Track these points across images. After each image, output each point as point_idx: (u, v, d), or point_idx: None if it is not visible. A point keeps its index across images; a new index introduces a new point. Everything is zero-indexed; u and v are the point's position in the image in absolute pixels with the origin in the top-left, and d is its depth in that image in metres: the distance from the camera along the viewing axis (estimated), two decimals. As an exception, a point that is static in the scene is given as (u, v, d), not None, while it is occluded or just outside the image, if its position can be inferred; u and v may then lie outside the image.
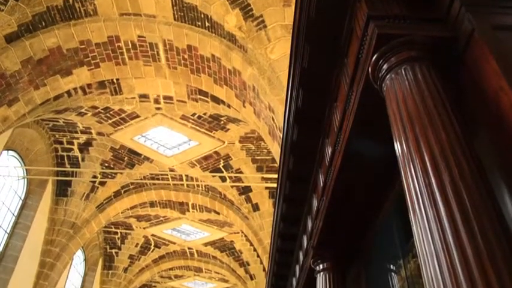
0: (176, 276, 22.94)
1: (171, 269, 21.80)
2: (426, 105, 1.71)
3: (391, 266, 3.00)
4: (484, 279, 1.20)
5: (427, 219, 1.42)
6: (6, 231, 13.31)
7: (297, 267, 4.41)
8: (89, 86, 11.10)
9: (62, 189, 15.11)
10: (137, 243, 19.80)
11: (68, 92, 11.00)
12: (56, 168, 14.09)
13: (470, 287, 1.20)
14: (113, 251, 19.98)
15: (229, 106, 10.99)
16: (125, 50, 10.21)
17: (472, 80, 1.90)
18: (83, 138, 13.87)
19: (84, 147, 14.18)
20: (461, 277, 1.23)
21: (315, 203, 3.35)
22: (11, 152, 12.87)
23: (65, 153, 14.34)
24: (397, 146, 1.81)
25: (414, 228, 1.51)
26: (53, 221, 14.97)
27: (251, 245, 17.75)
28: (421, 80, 1.81)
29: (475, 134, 1.85)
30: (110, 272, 20.11)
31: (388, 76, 1.99)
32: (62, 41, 9.57)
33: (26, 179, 14.18)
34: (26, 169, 13.67)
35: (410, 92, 1.79)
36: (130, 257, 20.17)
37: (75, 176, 14.91)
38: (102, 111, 12.55)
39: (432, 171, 1.51)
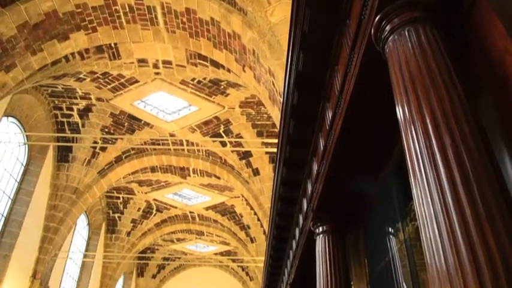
0: (178, 240, 23.37)
1: (173, 232, 22.19)
2: (429, 67, 1.68)
3: (390, 229, 3.04)
4: (483, 242, 1.21)
5: (427, 181, 1.42)
6: (9, 197, 13.46)
7: (297, 230, 4.48)
8: (87, 51, 10.96)
9: (63, 155, 15.17)
10: (139, 208, 20.06)
11: (66, 57, 10.86)
12: (57, 134, 14.11)
13: (469, 250, 1.22)
14: (116, 215, 20.28)
15: (229, 71, 10.88)
16: (122, 14, 10.01)
17: (476, 41, 1.86)
18: (82, 104, 13.81)
19: (84, 113, 14.14)
20: (460, 239, 1.25)
21: (315, 167, 3.36)
22: (10, 119, 12.84)
23: (64, 119, 14.32)
24: (398, 109, 1.80)
25: (414, 191, 1.51)
26: (55, 186, 15.11)
27: (251, 209, 17.98)
28: (424, 41, 1.77)
29: (477, 97, 1.83)
30: (113, 235, 20.48)
31: (390, 38, 1.95)
32: (58, 4, 9.36)
33: (27, 145, 14.21)
34: (27, 135, 13.67)
35: (413, 53, 1.76)
36: (133, 221, 20.48)
37: (76, 142, 14.94)
38: (101, 76, 12.44)
39: (433, 133, 1.50)
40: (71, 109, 14.00)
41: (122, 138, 15.07)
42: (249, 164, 15.00)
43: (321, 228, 3.32)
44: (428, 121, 1.55)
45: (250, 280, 25.80)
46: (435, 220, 1.35)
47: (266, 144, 13.90)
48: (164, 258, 25.35)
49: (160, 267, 26.76)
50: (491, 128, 1.69)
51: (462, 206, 1.28)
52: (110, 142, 15.24)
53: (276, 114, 9.00)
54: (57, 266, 15.49)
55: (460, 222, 1.26)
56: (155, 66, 11.87)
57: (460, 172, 1.35)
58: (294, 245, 4.70)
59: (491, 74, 1.75)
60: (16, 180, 13.77)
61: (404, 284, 2.68)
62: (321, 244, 3.25)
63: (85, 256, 19.40)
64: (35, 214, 14.03)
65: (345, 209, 3.36)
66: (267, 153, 14.25)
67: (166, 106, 13.92)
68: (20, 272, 13.38)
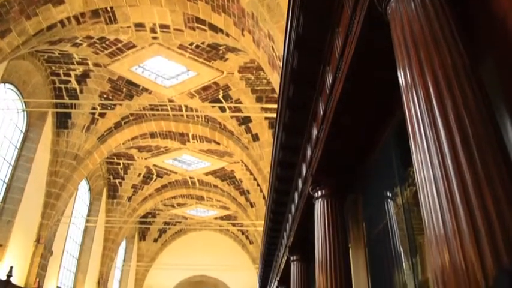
0: (179, 205, 23.66)
1: (173, 197, 22.43)
2: (432, 28, 1.64)
3: (388, 193, 3.06)
4: (482, 206, 1.21)
5: (427, 145, 1.42)
6: (10, 164, 13.52)
7: (296, 195, 4.52)
8: (82, 15, 10.74)
9: (62, 122, 15.14)
10: (140, 173, 20.20)
11: (61, 22, 10.66)
12: (55, 101, 14.03)
13: (468, 213, 1.22)
14: (116, 181, 20.44)
15: (227, 35, 10.70)
16: (117, -24, 9.77)
17: (480, 1, 1.81)
18: (79, 69, 13.66)
19: (82, 78, 14.01)
20: (459, 203, 1.25)
21: (315, 132, 3.36)
22: (8, 85, 12.73)
23: (62, 86, 14.20)
24: (400, 72, 1.77)
25: (414, 155, 1.51)
26: (56, 152, 15.15)
27: (251, 174, 18.10)
28: (427, 2, 1.73)
29: (480, 59, 1.80)
30: (115, 201, 20.71)
31: (393, -2, 1.90)
32: (51, -34, 9.11)
33: (25, 112, 14.15)
34: (25, 102, 13.59)
35: (416, 14, 1.71)
36: (134, 186, 20.66)
37: (75, 108, 14.88)
38: (98, 41, 12.24)
39: (435, 97, 1.48)
40: (68, 75, 13.86)
41: (120, 104, 15.00)
42: (248, 130, 14.99)
43: (319, 193, 3.34)
44: (430, 84, 1.53)
45: (250, 244, 26.30)
46: (434, 184, 1.35)
47: (265, 110, 13.84)
48: (165, 223, 25.75)
49: (162, 232, 27.23)
50: (493, 91, 1.67)
51: (462, 169, 1.28)
52: (109, 108, 15.18)
53: (275, 79, 8.92)
54: (60, 231, 15.74)
55: (460, 186, 1.26)
56: (152, 30, 11.67)
57: (460, 136, 1.34)
58: (293, 209, 4.75)
59: (495, 35, 1.72)
60: (16, 147, 13.79)
61: (401, 247, 2.73)
62: (319, 208, 3.29)
63: (87, 221, 19.69)
64: (36, 180, 14.14)
65: (344, 173, 3.37)
66: (266, 118, 14.22)
67: (164, 71, 13.78)
68: (23, 237, 13.60)
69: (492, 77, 1.75)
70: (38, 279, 13.76)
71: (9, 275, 12.03)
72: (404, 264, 2.66)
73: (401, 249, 2.70)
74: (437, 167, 1.36)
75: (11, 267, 12.25)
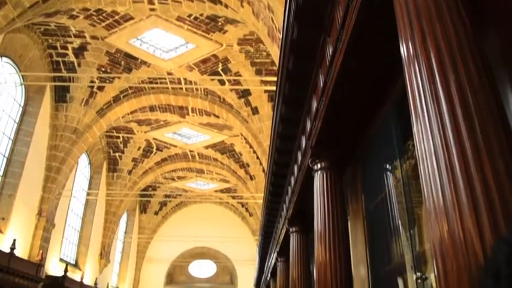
0: (179, 178, 23.79)
1: (173, 170, 22.53)
2: (435, -2, 1.61)
3: (387, 166, 3.07)
4: (481, 177, 1.21)
5: (428, 116, 1.41)
6: (9, 138, 13.52)
7: (295, 167, 4.53)
8: (78, -15, 10.54)
9: (61, 95, 15.06)
10: (139, 147, 20.23)
11: (57, -7, 10.47)
12: (53, 74, 13.91)
13: (467, 185, 1.22)
14: (116, 154, 20.49)
15: (226, 6, 10.53)
16: None
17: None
18: (77, 42, 13.50)
19: (79, 51, 13.86)
20: (459, 174, 1.25)
21: (314, 104, 3.34)
22: (4, 59, 12.59)
23: (60, 59, 14.06)
24: (402, 44, 1.74)
25: (414, 126, 1.50)
26: (55, 126, 15.13)
27: (251, 147, 18.13)
28: (430, -30, 1.68)
29: (484, 31, 1.77)
30: (115, 174, 20.81)
31: (395, -34, 1.86)
32: None
33: (23, 86, 14.06)
34: (22, 75, 13.48)
35: (419, -17, 1.67)
36: (134, 160, 20.73)
37: (73, 82, 14.77)
38: (95, 13, 12.05)
39: (437, 69, 1.46)
40: (66, 48, 13.70)
41: (119, 78, 14.90)
42: (248, 103, 14.94)
43: (319, 165, 3.35)
44: (432, 56, 1.51)
45: (250, 216, 26.60)
46: (435, 155, 1.35)
47: (265, 83, 13.75)
48: (166, 196, 25.95)
49: (162, 204, 27.48)
50: (496, 64, 1.65)
51: (462, 141, 1.27)
52: (107, 81, 15.08)
53: (275, 52, 8.83)
54: (61, 204, 15.88)
55: (460, 157, 1.26)
56: (150, 1, 11.47)
57: (462, 107, 1.33)
58: (293, 182, 4.78)
59: (499, 6, 1.69)
60: (15, 121, 13.76)
61: (399, 219, 2.75)
62: (319, 180, 3.30)
63: (88, 194, 19.84)
64: (36, 154, 14.17)
65: (343, 146, 3.37)
66: (266, 91, 14.14)
67: (162, 44, 13.62)
68: (25, 211, 13.73)
69: (495, 49, 1.73)
70: (41, 252, 13.96)
71: (12, 248, 12.19)
72: (402, 235, 2.69)
73: (399, 221, 2.73)
74: (438, 138, 1.35)
75: (14, 240, 12.41)
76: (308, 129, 3.64)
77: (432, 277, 2.20)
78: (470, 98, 1.34)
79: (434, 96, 1.42)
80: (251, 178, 20.34)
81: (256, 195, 18.98)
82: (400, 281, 2.63)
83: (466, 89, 1.37)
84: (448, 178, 1.28)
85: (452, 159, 1.28)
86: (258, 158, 18.00)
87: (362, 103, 3.02)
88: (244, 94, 14.72)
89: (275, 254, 7.74)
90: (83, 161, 19.18)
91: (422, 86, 1.50)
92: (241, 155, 20.01)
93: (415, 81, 1.55)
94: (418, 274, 2.31)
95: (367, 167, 3.37)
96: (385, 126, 3.01)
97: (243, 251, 25.66)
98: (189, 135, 19.55)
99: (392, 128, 2.87)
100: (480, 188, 1.20)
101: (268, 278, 10.68)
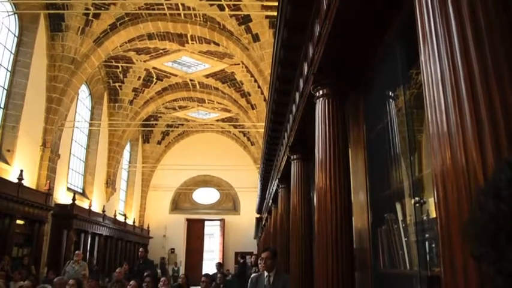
0: (180, 107, 23.76)
1: (174, 100, 22.45)
2: None
3: (390, 93, 3.02)
4: (488, 100, 1.18)
5: (436, 38, 1.34)
6: (7, 70, 13.34)
7: (297, 94, 4.48)
8: None
9: (56, 24, 14.64)
10: (139, 77, 20.01)
11: None
12: (46, 1, 13.41)
13: (472, 107, 1.19)
14: (116, 84, 20.33)
15: None
16: None
17: None
18: (67, -34, 12.88)
19: (71, -24, 13.27)
20: (465, 96, 1.21)
21: (317, 28, 3.22)
22: (-7, -16, 12.09)
23: (51, -16, 13.49)
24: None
25: (421, 48, 1.44)
26: (52, 57, 14.88)
27: (252, 76, 17.92)
28: None
29: None
30: (116, 104, 20.79)
31: None
32: None
33: (16, 15, 13.62)
34: (14, 4, 13.01)
35: None
36: (134, 90, 20.60)
37: (67, 9, 14.28)
38: None
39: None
40: (56, -28, 13.11)
41: (114, 4, 14.38)
42: (248, 30, 14.53)
43: (321, 92, 3.30)
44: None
45: (252, 145, 26.91)
46: (441, 78, 1.30)
47: (266, 8, 13.27)
48: (168, 125, 26.09)
49: (165, 134, 27.72)
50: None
51: (471, 64, 1.22)
52: (103, 8, 14.57)
53: (275, -26, 8.41)
54: (64, 135, 16.02)
55: (467, 81, 1.22)
56: None
57: (472, 28, 1.26)
58: (294, 109, 4.75)
59: None
60: (11, 52, 13.50)
61: (399, 146, 2.75)
62: (320, 107, 3.27)
63: (91, 125, 19.95)
64: (35, 85, 14.06)
65: (346, 72, 3.30)
66: (267, 17, 13.69)
67: (158, -33, 13.00)
68: (30, 142, 13.88)
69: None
70: (48, 182, 14.31)
71: (20, 178, 12.48)
72: (401, 163, 2.71)
73: (400, 149, 2.73)
74: (445, 60, 1.30)
75: (21, 171, 12.67)
76: (310, 54, 3.54)
77: (430, 201, 2.24)
78: (482, 20, 1.27)
79: (444, 18, 1.34)
80: (252, 107, 20.31)
81: (257, 124, 19.05)
82: (398, 206, 2.69)
83: (478, 9, 1.29)
84: (453, 101, 1.24)
85: (459, 82, 1.24)
86: (259, 87, 17.85)
87: (367, 26, 2.91)
88: (245, 20, 14.27)
89: (276, 181, 7.90)
90: (84, 91, 19.08)
91: (432, 6, 1.42)
92: (242, 84, 19.82)
93: (424, 2, 1.47)
94: (417, 199, 2.35)
95: (370, 94, 3.32)
96: (389, 53, 2.93)
97: (245, 178, 26.25)
98: (189, 63, 19.24)
99: (397, 54, 2.78)
100: (485, 110, 1.17)
101: (269, 204, 11.02)
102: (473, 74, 1.22)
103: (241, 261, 16.18)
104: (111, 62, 18.60)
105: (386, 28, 2.83)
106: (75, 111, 17.89)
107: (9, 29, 13.33)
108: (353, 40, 2.99)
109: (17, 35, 13.70)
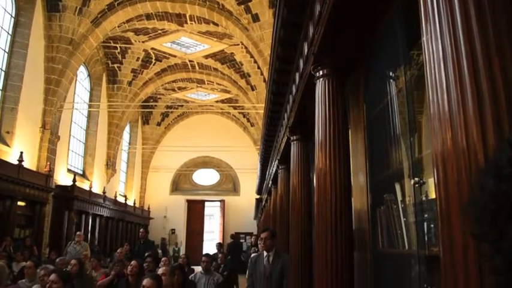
0: (180, 88, 23.65)
1: (174, 81, 22.34)
2: None
3: (390, 73, 3.00)
4: (489, 77, 1.16)
5: (438, 15, 1.32)
6: (5, 51, 13.24)
7: (297, 75, 4.44)
8: None
9: (53, 5, 14.47)
10: (138, 57, 19.86)
11: None
12: (40, -20, 13.23)
13: (474, 85, 1.18)
14: (115, 65, 20.19)
15: None
16: None
17: None
18: None
19: (67, -46, 13.05)
20: (466, 73, 1.20)
21: (318, 8, 3.17)
22: (-11, -37, 11.91)
23: (47, -37, 13.29)
24: None
25: (423, 25, 1.42)
26: (50, 38, 14.74)
27: (251, 56, 17.80)
28: None
29: None
30: (115, 86, 20.69)
31: None
32: None
33: (12, -5, 13.46)
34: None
35: None
36: (133, 71, 20.47)
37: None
38: None
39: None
40: (53, -49, 12.89)
41: (112, -17, 14.19)
42: (248, 10, 14.37)
43: (321, 72, 3.27)
44: None
45: (251, 126, 26.88)
46: (443, 56, 1.28)
47: (265, -13, 13.10)
48: (167, 107, 26.02)
49: (164, 115, 27.66)
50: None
51: (473, 39, 1.20)
52: (100, -12, 14.38)
53: (275, -48, 8.26)
54: (64, 117, 15.99)
55: (469, 57, 1.20)
56: None
57: (475, 6, 1.24)
58: (294, 90, 4.72)
59: None
60: (8, 33, 13.37)
61: (399, 127, 2.74)
62: (320, 88, 3.24)
63: (90, 106, 19.89)
64: (33, 67, 13.97)
65: (347, 52, 3.26)
66: (266, -4, 13.53)
67: None
68: (29, 124, 13.86)
69: None
70: (48, 163, 14.33)
71: (20, 160, 12.50)
72: (401, 143, 2.70)
73: (400, 130, 2.72)
74: (447, 37, 1.28)
75: (21, 153, 12.68)
76: (310, 34, 3.50)
77: (429, 181, 2.24)
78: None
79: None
80: (252, 88, 20.21)
81: (257, 105, 18.99)
82: (397, 187, 2.69)
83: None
84: (455, 80, 1.23)
85: (461, 60, 1.22)
86: (258, 67, 17.74)
87: (368, 5, 2.87)
88: (244, 0, 14.11)
89: (276, 162, 7.91)
90: (82, 73, 18.97)
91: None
92: (241, 64, 19.69)
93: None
94: (416, 179, 2.35)
95: (370, 75, 3.30)
96: (390, 33, 2.89)
97: (245, 160, 26.30)
98: (188, 44, 19.08)
99: (398, 34, 2.75)
100: (487, 89, 1.15)
101: (269, 185, 11.06)
102: (475, 51, 1.20)
103: (232, 241, 16.69)
104: (110, 43, 18.44)
105: (387, 8, 2.79)
106: (74, 93, 17.81)
107: (5, 10, 13.17)
108: (354, 20, 2.95)
109: (13, 15, 13.55)
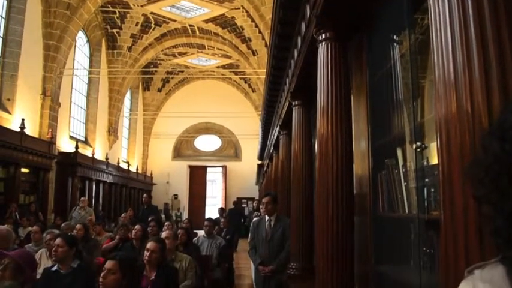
0: (180, 54, 23.37)
1: (174, 46, 22.05)
2: None
3: (394, 37, 2.94)
4: (497, 39, 1.13)
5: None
6: (2, 16, 13.01)
7: (299, 39, 4.37)
8: None
9: (48, -32, 14.13)
10: (137, 22, 19.52)
11: None
12: None
13: (481, 46, 1.15)
14: (114, 30, 19.88)
15: None
16: None
17: None
18: None
19: None
20: (473, 34, 1.17)
21: (320, -31, 3.09)
22: None
23: None
24: None
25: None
26: (47, 2, 14.47)
27: (252, 21, 17.48)
28: None
29: None
30: (115, 51, 20.44)
31: None
32: None
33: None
34: None
35: None
36: (133, 36, 20.17)
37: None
38: None
39: None
40: None
41: None
42: (248, -29, 14.02)
43: (323, 35, 3.21)
44: None
45: (253, 92, 26.71)
46: (449, 17, 1.25)
47: None
48: (168, 72, 25.79)
49: (165, 81, 27.47)
50: None
51: (480, 1, 1.17)
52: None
53: None
54: (64, 84, 15.88)
55: (476, 18, 1.17)
56: None
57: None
58: (296, 54, 4.65)
59: None
60: (4, -3, 13.12)
61: (402, 92, 2.71)
62: (323, 51, 3.19)
63: (90, 73, 19.73)
64: (31, 33, 13.77)
65: (350, 15, 3.20)
66: (267, -42, 13.16)
67: None
68: (29, 91, 13.79)
69: None
70: (50, 130, 14.35)
71: (22, 127, 12.51)
72: (403, 108, 2.68)
73: (402, 94, 2.70)
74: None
75: (23, 120, 12.68)
76: (312, -4, 3.42)
77: (431, 146, 2.24)
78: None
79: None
80: (253, 53, 19.96)
81: (258, 70, 18.80)
82: (399, 151, 2.69)
83: None
84: (461, 42, 1.20)
85: (468, 21, 1.19)
86: (260, 32, 17.44)
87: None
88: (244, -39, 13.75)
89: (277, 128, 7.90)
90: (81, 38, 18.71)
91: None
92: (242, 29, 19.36)
93: None
94: (418, 144, 2.35)
95: (374, 37, 3.23)
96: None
97: (247, 125, 26.28)
98: (188, 8, 18.71)
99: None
100: (494, 52, 1.13)
101: (271, 151, 11.08)
102: (483, 14, 1.17)
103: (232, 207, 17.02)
104: (108, 7, 18.10)
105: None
106: (74, 59, 17.63)
107: (0, -27, 12.88)
108: (357, -20, 2.87)
109: (9, -21, 13.26)
